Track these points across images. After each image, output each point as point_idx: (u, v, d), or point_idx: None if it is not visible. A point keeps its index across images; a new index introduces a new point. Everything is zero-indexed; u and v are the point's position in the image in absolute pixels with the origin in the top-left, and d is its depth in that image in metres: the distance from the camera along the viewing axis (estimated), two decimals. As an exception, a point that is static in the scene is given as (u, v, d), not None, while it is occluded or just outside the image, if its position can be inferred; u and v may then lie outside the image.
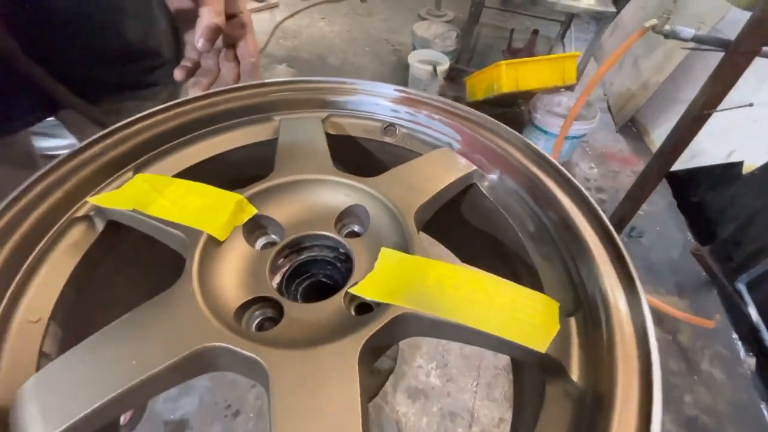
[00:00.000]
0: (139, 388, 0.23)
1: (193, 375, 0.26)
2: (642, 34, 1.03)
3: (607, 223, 0.32)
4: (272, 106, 0.45)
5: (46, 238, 0.32)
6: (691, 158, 1.89)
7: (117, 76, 0.57)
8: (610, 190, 1.91)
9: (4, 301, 0.28)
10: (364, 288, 0.28)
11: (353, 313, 0.30)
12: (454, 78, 2.51)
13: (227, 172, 0.41)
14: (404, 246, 0.31)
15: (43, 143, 1.51)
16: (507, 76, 1.83)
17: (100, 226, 0.34)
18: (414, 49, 2.52)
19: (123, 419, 1.01)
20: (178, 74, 0.48)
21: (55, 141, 1.49)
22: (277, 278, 0.33)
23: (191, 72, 0.49)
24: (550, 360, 0.26)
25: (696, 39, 0.99)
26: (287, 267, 0.34)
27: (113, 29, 0.53)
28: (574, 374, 0.26)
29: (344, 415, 0.21)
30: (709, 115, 1.08)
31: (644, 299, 0.27)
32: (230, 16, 0.47)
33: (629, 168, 2.05)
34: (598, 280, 0.30)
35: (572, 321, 0.29)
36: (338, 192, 0.36)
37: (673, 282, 1.52)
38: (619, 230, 1.56)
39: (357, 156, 0.47)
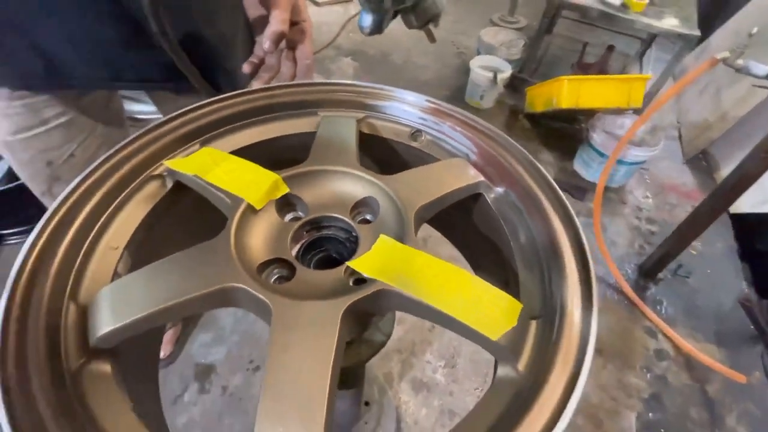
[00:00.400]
0: (178, 306, 0.31)
1: (218, 306, 0.33)
2: (711, 66, 0.98)
3: (586, 247, 0.36)
4: (318, 103, 0.52)
5: (129, 188, 0.41)
6: (764, 202, 1.74)
7: (212, 62, 0.65)
8: (662, 224, 1.81)
9: (94, 231, 0.37)
10: (360, 263, 0.34)
11: (351, 283, 0.36)
12: (516, 87, 2.48)
13: (273, 154, 0.49)
14: (401, 236, 0.36)
15: (131, 107, 1.74)
16: (568, 92, 1.79)
17: (169, 184, 0.43)
18: (478, 54, 2.52)
19: (163, 353, 1.16)
20: (246, 68, 0.57)
21: (140, 106, 1.71)
22: (296, 247, 0.40)
23: (257, 67, 0.57)
24: (502, 349, 0.31)
25: (772, 77, 0.93)
26: (306, 239, 0.41)
27: (216, 23, 0.62)
28: (521, 364, 0.31)
29: (321, 350, 0.28)
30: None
31: (595, 316, 0.31)
32: (293, 23, 0.55)
33: (690, 203, 1.92)
34: (564, 293, 0.34)
35: (534, 323, 0.34)
36: (357, 184, 0.42)
37: (713, 330, 1.43)
38: (661, 266, 1.49)
39: (385, 154, 0.53)
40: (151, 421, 0.28)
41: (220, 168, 0.41)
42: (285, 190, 0.41)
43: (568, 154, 2.09)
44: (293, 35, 0.57)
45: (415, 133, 0.52)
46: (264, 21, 0.52)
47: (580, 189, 1.91)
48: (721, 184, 1.20)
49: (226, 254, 0.34)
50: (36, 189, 0.64)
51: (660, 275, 1.53)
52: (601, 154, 1.83)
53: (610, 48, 2.54)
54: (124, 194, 0.40)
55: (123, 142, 0.42)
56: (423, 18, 0.40)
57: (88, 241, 0.36)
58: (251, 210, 0.39)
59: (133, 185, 0.41)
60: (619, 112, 1.87)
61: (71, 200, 0.37)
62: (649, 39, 2.70)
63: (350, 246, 0.41)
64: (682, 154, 2.19)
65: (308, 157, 0.45)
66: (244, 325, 1.30)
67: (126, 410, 0.28)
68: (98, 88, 0.59)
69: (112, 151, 0.41)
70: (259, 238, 0.38)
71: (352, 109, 0.52)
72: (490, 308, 0.32)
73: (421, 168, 0.45)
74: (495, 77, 2.19)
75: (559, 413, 0.26)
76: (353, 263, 0.34)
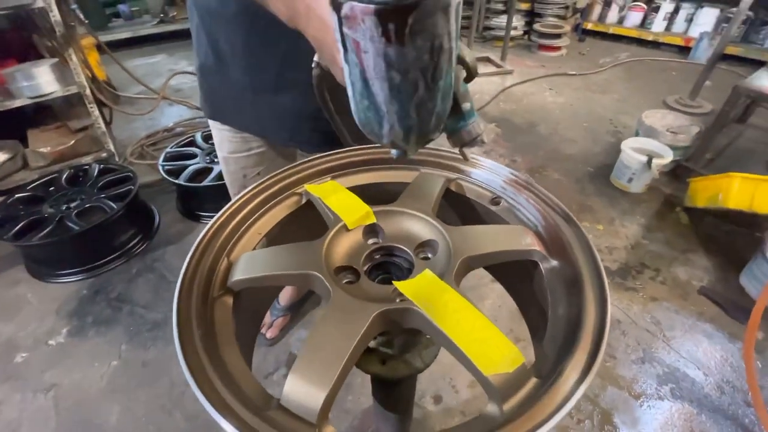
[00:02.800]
0: (278, 276, 0.47)
1: (303, 285, 0.48)
2: None
3: (606, 328, 0.38)
4: (423, 162, 0.65)
5: (279, 197, 0.61)
6: None
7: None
8: None
9: (249, 221, 0.57)
10: (401, 284, 0.44)
11: (396, 298, 0.46)
12: (679, 176, 2.20)
13: (379, 192, 0.64)
14: (443, 274, 0.45)
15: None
16: (738, 191, 1.54)
17: (304, 200, 0.61)
18: (636, 135, 2.34)
19: (270, 335, 1.40)
20: None
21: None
22: (368, 263, 0.53)
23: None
24: (493, 389, 0.36)
25: None
26: (376, 260, 0.54)
27: None
28: (507, 406, 0.36)
29: (350, 333, 0.39)
30: None
31: (587, 384, 0.34)
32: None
33: None
34: (569, 362, 0.37)
35: (534, 380, 0.38)
36: (426, 227, 0.53)
37: None
38: None
39: (468, 213, 0.63)
40: (243, 346, 0.44)
41: (336, 196, 0.58)
42: (372, 219, 0.54)
43: (734, 264, 1.73)
44: None
45: (496, 199, 0.60)
46: None
47: (741, 309, 1.55)
48: None
49: (318, 253, 0.49)
50: (232, 191, 0.95)
51: None
52: (781, 273, 1.48)
53: (826, 149, 2.05)
54: (274, 201, 0.61)
55: (282, 169, 0.63)
56: (458, 143, 0.48)
57: (244, 227, 0.57)
58: (345, 228, 0.53)
59: (282, 196, 0.61)
60: (817, 226, 1.50)
61: (242, 200, 0.58)
62: None
63: (406, 273, 0.51)
64: None
65: (398, 199, 0.58)
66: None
67: (230, 332, 0.44)
68: (281, 144, 0.86)
69: (276, 173, 0.62)
70: (344, 248, 0.52)
71: (447, 170, 0.64)
72: (493, 350, 0.38)
73: (485, 226, 0.54)
74: (650, 162, 2.01)
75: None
76: (398, 283, 0.44)
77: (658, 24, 4.00)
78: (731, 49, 3.42)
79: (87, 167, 1.87)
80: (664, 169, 2.11)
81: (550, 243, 0.51)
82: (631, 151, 2.08)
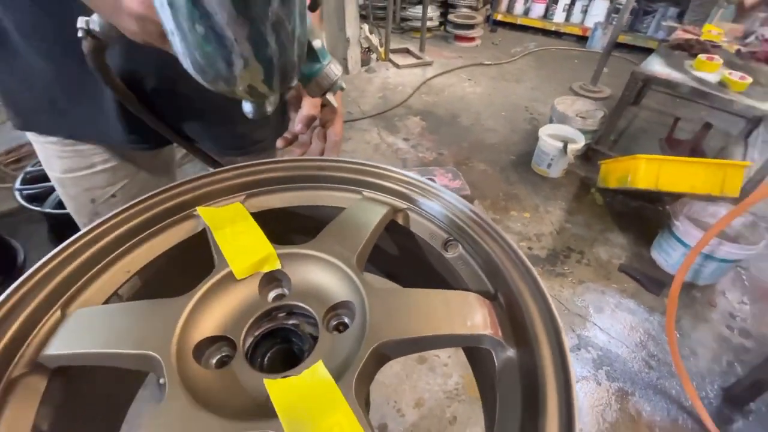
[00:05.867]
0: (109, 357, 0.32)
1: (145, 369, 0.32)
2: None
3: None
4: (363, 183, 0.49)
5: (165, 222, 0.44)
6: None
7: (228, 131, 0.70)
8: (760, 339, 1.47)
9: (112, 255, 0.40)
10: (276, 387, 0.30)
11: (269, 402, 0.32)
12: (590, 158, 2.33)
13: (303, 221, 0.50)
14: (345, 368, 0.31)
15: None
16: (645, 172, 1.63)
17: (200, 227, 0.45)
18: (551, 122, 2.43)
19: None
20: (280, 143, 0.60)
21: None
22: (258, 328, 0.38)
23: (290, 142, 0.60)
24: None
25: None
26: (269, 325, 0.39)
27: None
28: None
29: None
30: None
31: None
32: (324, 104, 0.57)
33: (804, 318, 1.56)
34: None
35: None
36: (343, 282, 0.39)
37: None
38: (754, 394, 1.19)
39: (413, 255, 0.49)
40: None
41: (231, 227, 0.42)
42: (275, 266, 0.40)
43: (645, 239, 1.85)
44: (324, 115, 0.60)
45: (450, 242, 0.45)
46: (298, 100, 0.56)
47: (656, 281, 1.66)
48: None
49: (172, 319, 0.33)
50: (79, 221, 0.72)
51: (751, 406, 1.22)
52: (685, 244, 1.59)
53: (707, 126, 2.30)
54: (156, 227, 0.44)
55: (172, 184, 0.45)
56: (317, 91, 0.40)
57: (107, 260, 0.40)
58: (232, 278, 0.38)
59: (168, 221, 0.44)
60: (710, 199, 1.64)
61: (105, 226, 0.40)
62: (756, 119, 2.39)
63: (308, 348, 0.38)
64: (798, 256, 1.82)
65: (318, 235, 0.43)
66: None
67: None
68: (131, 148, 0.65)
69: (157, 190, 0.45)
70: (226, 308, 0.37)
71: (396, 197, 0.49)
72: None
73: (421, 291, 0.38)
74: (565, 147, 2.08)
75: None
76: (270, 384, 0.30)
77: (559, 15, 4.26)
78: (622, 38, 3.73)
79: None
80: (577, 153, 2.20)
81: (508, 318, 0.37)
82: (548, 137, 2.14)
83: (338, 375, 0.31)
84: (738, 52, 2.08)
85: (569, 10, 4.24)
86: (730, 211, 1.15)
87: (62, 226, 1.58)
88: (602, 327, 1.49)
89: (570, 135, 2.20)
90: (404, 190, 0.49)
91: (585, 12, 4.19)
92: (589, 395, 1.27)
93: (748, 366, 1.27)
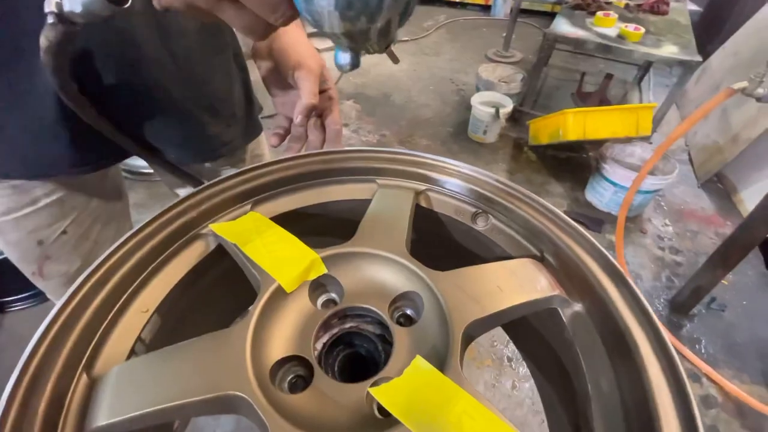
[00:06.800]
0: (178, 409, 0.27)
1: (223, 412, 0.28)
2: (728, 96, 0.95)
3: (696, 415, 0.25)
4: (378, 171, 0.47)
5: (172, 248, 0.38)
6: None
7: (198, 134, 0.60)
8: (687, 253, 1.73)
9: (125, 296, 0.34)
10: (384, 393, 0.28)
11: (375, 411, 0.29)
12: (518, 120, 2.48)
13: (321, 221, 0.46)
14: (443, 360, 0.30)
15: (137, 162, 1.72)
16: (573, 125, 1.78)
17: (213, 245, 0.39)
18: (477, 90, 2.54)
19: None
20: (274, 140, 0.54)
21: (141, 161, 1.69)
22: (322, 340, 0.35)
23: (283, 138, 0.54)
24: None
25: (796, 103, 0.89)
26: (335, 332, 0.36)
27: (199, 91, 0.56)
28: None
29: None
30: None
31: None
32: (321, 91, 0.53)
33: (712, 229, 1.85)
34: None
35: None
36: (401, 273, 0.37)
37: (759, 368, 1.31)
38: (694, 300, 1.40)
39: (442, 235, 0.47)
40: None
41: (260, 239, 0.37)
42: (322, 271, 0.36)
43: (579, 184, 2.04)
44: (322, 103, 0.54)
45: (478, 213, 0.45)
46: (276, 79, 0.50)
47: (595, 220, 1.84)
48: (751, 215, 1.14)
49: (239, 352, 0.29)
50: (26, 270, 0.59)
51: (693, 310, 1.44)
52: (615, 184, 1.78)
53: (609, 76, 2.56)
54: (165, 255, 0.38)
55: (172, 203, 0.39)
56: (383, 44, 0.38)
57: (117, 306, 0.34)
58: (281, 292, 0.34)
59: (176, 245, 0.39)
60: (627, 140, 1.84)
61: (107, 265, 0.34)
62: (646, 65, 2.73)
63: (382, 349, 0.35)
64: (696, 178, 2.14)
65: (355, 233, 0.40)
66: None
67: None
68: (78, 171, 0.54)
69: (161, 210, 0.38)
70: (285, 326, 0.34)
71: (411, 179, 0.47)
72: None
73: (480, 267, 0.37)
74: (497, 112, 2.19)
75: None
76: (376, 392, 0.28)
77: (461, -14, 4.41)
78: (524, 4, 3.98)
79: None
80: (507, 116, 2.33)
81: (566, 277, 0.37)
82: (480, 105, 2.23)
83: (439, 365, 0.29)
84: (627, 6, 2.32)
85: (470, -20, 4.40)
86: (656, 151, 1.30)
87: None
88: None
89: (498, 100, 2.32)
90: (421, 171, 0.47)
91: (485, -19, 4.38)
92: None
93: (683, 278, 1.48)
